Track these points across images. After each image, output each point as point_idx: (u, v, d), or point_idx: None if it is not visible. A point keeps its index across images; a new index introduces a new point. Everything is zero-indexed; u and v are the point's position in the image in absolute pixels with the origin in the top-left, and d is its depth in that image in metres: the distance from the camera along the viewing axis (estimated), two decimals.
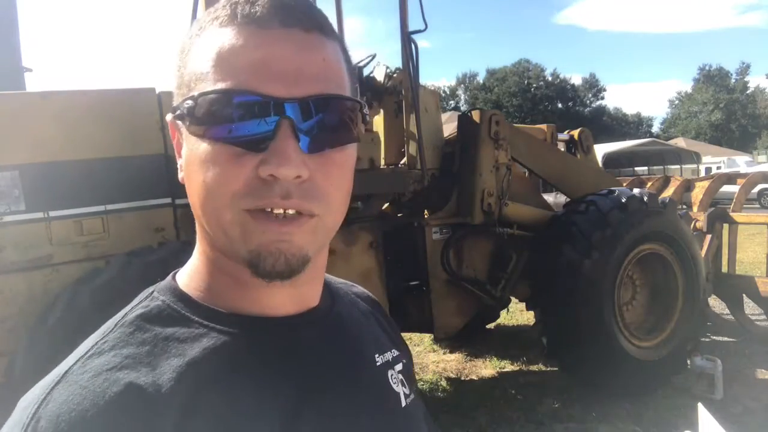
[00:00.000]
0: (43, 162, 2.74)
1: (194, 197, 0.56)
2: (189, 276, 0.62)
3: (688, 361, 4.14)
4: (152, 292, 0.61)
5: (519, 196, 4.26)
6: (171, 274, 0.64)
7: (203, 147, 0.53)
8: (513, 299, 4.85)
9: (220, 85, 0.51)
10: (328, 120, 0.53)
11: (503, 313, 5.68)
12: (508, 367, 4.91)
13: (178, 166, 0.59)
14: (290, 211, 0.52)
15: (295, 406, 0.57)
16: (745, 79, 57.12)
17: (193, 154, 0.55)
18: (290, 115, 0.51)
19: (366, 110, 0.57)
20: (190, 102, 0.53)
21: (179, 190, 3.13)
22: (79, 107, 2.87)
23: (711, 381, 3.98)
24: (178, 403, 0.51)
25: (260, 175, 0.51)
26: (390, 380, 0.68)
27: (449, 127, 4.50)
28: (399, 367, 0.72)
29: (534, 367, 4.83)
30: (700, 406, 1.28)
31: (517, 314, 6.15)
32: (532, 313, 4.21)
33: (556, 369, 4.37)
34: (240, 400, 0.54)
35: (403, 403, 0.68)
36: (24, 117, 2.74)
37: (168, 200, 3.05)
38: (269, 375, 0.57)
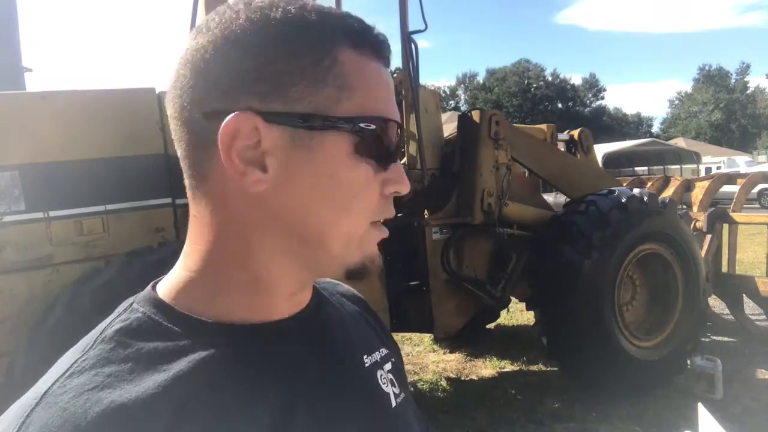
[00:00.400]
0: (43, 162, 2.74)
1: (320, 213, 0.55)
2: (176, 287, 0.58)
3: (688, 361, 4.14)
4: (131, 303, 0.58)
5: (519, 196, 4.26)
6: (151, 284, 0.61)
7: (349, 166, 0.54)
8: (513, 299, 4.85)
9: (383, 115, 0.56)
10: None
11: (503, 313, 5.68)
12: (508, 367, 4.91)
13: (247, 175, 0.53)
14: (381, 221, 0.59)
15: (287, 412, 0.56)
16: (745, 79, 57.17)
17: (337, 170, 0.54)
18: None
19: None
20: (361, 124, 0.54)
21: (179, 190, 3.14)
22: (79, 107, 2.87)
23: (711, 381, 3.98)
24: (165, 421, 0.49)
25: (386, 192, 0.57)
26: (379, 381, 0.68)
27: (449, 127, 4.50)
28: (388, 366, 0.71)
29: (534, 367, 4.82)
30: (700, 406, 1.28)
31: (517, 314, 6.15)
32: (532, 313, 4.21)
33: (556, 369, 4.37)
34: (229, 410, 0.53)
35: (393, 404, 0.67)
36: (24, 117, 2.74)
37: (168, 200, 3.05)
38: (259, 382, 0.56)
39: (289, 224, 0.55)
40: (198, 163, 0.55)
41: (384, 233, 0.60)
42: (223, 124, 0.51)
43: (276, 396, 0.56)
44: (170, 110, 0.57)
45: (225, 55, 0.52)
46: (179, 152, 0.57)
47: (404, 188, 0.58)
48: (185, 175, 0.58)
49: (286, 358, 0.59)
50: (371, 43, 0.56)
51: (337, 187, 0.54)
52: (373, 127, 0.54)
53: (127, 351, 0.52)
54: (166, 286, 0.59)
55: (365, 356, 0.68)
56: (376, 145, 0.55)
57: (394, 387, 0.69)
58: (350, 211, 0.55)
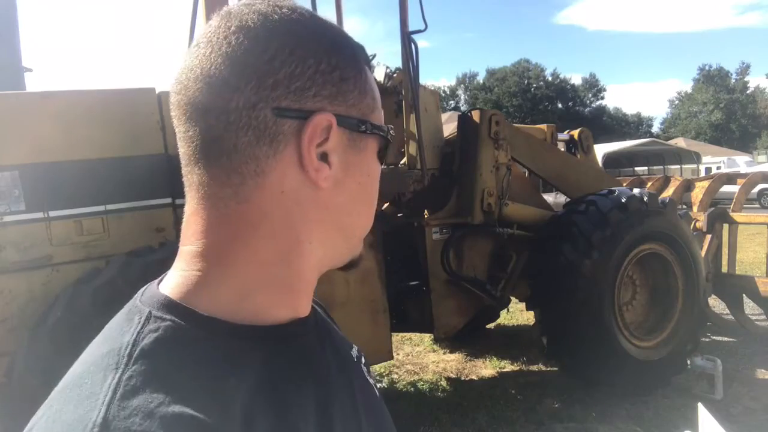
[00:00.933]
0: (43, 162, 2.74)
1: (357, 209, 0.62)
2: (192, 289, 0.56)
3: (688, 361, 4.14)
4: (149, 313, 0.53)
5: (519, 196, 4.27)
6: (152, 287, 0.58)
7: (376, 166, 0.63)
8: (513, 299, 4.85)
9: (382, 123, 0.63)
10: None
11: (503, 313, 5.68)
12: (508, 367, 4.91)
13: (318, 170, 0.56)
14: None
15: (326, 408, 0.58)
16: (745, 79, 57.14)
17: (369, 169, 0.62)
18: None
19: None
20: (387, 129, 0.63)
21: (179, 190, 3.14)
22: (79, 107, 2.87)
23: (711, 381, 3.98)
24: (240, 429, 0.48)
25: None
26: (365, 374, 0.72)
27: (449, 127, 4.50)
28: (363, 360, 0.75)
29: (534, 367, 4.83)
30: (700, 406, 1.28)
31: (517, 314, 6.15)
32: (532, 313, 4.21)
33: (556, 369, 4.37)
34: (289, 412, 0.54)
35: (377, 394, 0.73)
36: (24, 117, 2.74)
37: (168, 200, 3.05)
38: (303, 382, 0.58)
39: (339, 219, 0.60)
40: (255, 158, 0.54)
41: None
42: (309, 121, 0.54)
43: (316, 393, 0.58)
44: (211, 105, 0.53)
45: (290, 55, 0.54)
46: (203, 151, 0.55)
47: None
48: (220, 173, 0.55)
49: (315, 356, 0.62)
50: (369, 61, 0.63)
51: (371, 184, 0.63)
52: (391, 133, 0.64)
53: (175, 364, 0.50)
54: (178, 288, 0.56)
55: (351, 351, 0.73)
56: (387, 149, 0.64)
57: (372, 378, 0.74)
58: (374, 206, 0.65)
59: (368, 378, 0.72)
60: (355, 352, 0.73)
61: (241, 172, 0.54)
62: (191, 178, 0.56)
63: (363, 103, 0.59)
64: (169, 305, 0.54)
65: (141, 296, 0.57)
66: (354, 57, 0.59)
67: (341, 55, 0.57)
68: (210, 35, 0.54)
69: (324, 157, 0.56)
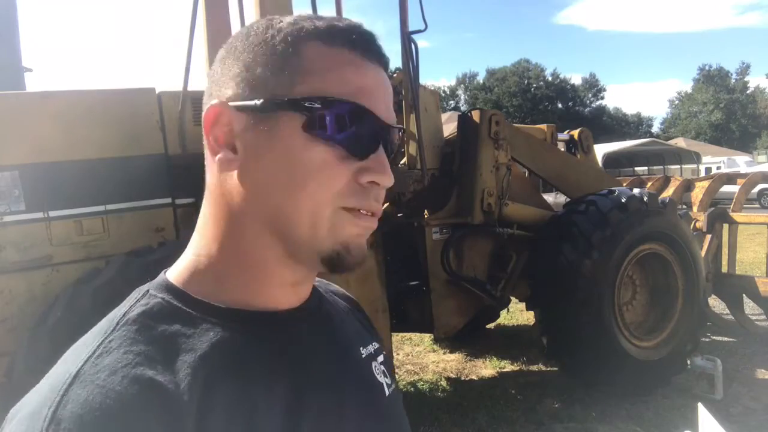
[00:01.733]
0: (43, 162, 2.74)
1: (279, 192, 0.58)
2: (186, 274, 0.63)
3: (688, 361, 4.14)
4: (147, 291, 0.61)
5: (519, 196, 4.27)
6: (162, 273, 0.65)
7: (312, 146, 0.57)
8: (513, 299, 4.85)
9: (352, 99, 0.57)
10: (393, 145, 0.63)
11: (503, 313, 5.68)
12: (508, 367, 4.91)
13: (222, 156, 0.60)
14: (372, 212, 0.61)
15: (300, 395, 0.60)
16: (745, 79, 57.11)
17: (290, 150, 0.57)
18: (388, 134, 0.61)
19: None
20: (318, 104, 0.56)
21: (179, 190, 3.15)
22: (79, 107, 2.87)
23: (711, 381, 3.98)
24: (197, 399, 0.53)
25: (361, 180, 0.59)
26: (374, 371, 0.72)
27: (449, 127, 4.50)
28: (381, 359, 0.75)
29: (534, 367, 4.83)
30: (700, 406, 1.28)
31: (517, 314, 6.15)
32: (532, 313, 4.21)
33: (556, 369, 4.37)
34: (249, 393, 0.57)
35: (387, 393, 0.72)
36: (24, 117, 2.74)
37: (168, 200, 3.05)
38: (273, 367, 0.60)
39: (266, 205, 0.59)
40: (206, 160, 0.63)
41: (364, 223, 0.60)
42: (203, 114, 0.61)
43: (290, 379, 0.60)
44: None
45: (223, 60, 0.63)
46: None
47: (384, 179, 0.60)
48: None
49: (296, 344, 0.64)
50: (345, 37, 0.59)
51: (292, 166, 0.57)
52: (317, 105, 0.56)
53: (152, 332, 0.56)
54: (177, 273, 0.63)
55: (361, 348, 0.73)
56: (333, 124, 0.57)
57: (386, 378, 0.74)
58: (306, 190, 0.57)
59: (377, 377, 0.72)
60: (368, 350, 0.74)
61: (207, 173, 0.63)
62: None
63: (276, 81, 0.58)
64: (165, 285, 0.62)
65: (151, 280, 0.64)
66: (283, 39, 0.59)
67: (254, 46, 0.60)
68: None
69: (233, 142, 0.60)
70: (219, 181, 0.62)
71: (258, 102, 0.57)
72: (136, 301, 0.60)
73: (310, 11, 3.49)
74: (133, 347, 0.54)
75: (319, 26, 0.59)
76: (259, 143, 0.58)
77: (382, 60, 0.62)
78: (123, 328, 0.56)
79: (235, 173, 0.60)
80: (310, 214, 0.58)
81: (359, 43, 0.60)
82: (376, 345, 0.77)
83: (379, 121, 0.59)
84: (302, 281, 0.65)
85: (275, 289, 0.63)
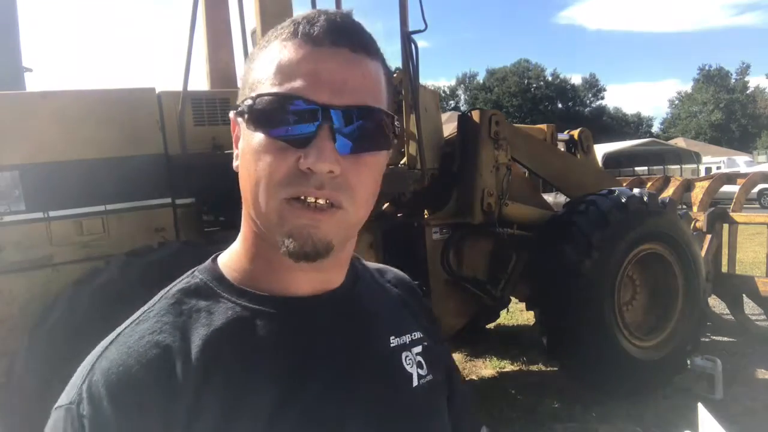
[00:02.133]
0: (43, 162, 2.74)
1: (246, 184, 0.65)
2: (229, 258, 0.73)
3: (688, 361, 4.14)
4: (194, 271, 0.72)
5: (519, 196, 4.26)
6: (212, 256, 0.74)
7: (256, 140, 0.62)
8: (513, 299, 4.85)
9: (276, 89, 0.61)
10: (364, 127, 0.62)
11: (503, 313, 5.68)
12: (508, 367, 4.91)
13: (234, 155, 0.69)
14: (321, 201, 0.61)
15: (302, 375, 0.65)
16: (745, 79, 57.09)
17: (248, 145, 0.63)
18: (331, 120, 0.60)
19: (397, 123, 0.66)
20: (249, 101, 0.62)
21: (179, 190, 3.14)
22: (79, 107, 2.86)
23: (711, 381, 3.98)
24: (202, 365, 0.62)
25: (300, 167, 0.60)
26: (403, 361, 0.75)
27: (449, 127, 4.50)
28: (418, 349, 0.77)
29: (534, 367, 4.82)
30: (700, 406, 1.28)
31: (517, 314, 6.15)
32: (532, 313, 4.21)
33: (556, 369, 4.37)
34: (250, 369, 0.64)
35: (415, 383, 0.74)
36: (24, 117, 2.74)
37: (168, 200, 3.05)
38: (277, 348, 0.66)
39: (242, 191, 0.67)
40: None
41: (310, 214, 0.61)
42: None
43: (291, 361, 0.66)
44: None
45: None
46: None
47: (316, 164, 0.59)
48: None
49: (307, 329, 0.68)
50: (296, 30, 0.63)
51: (246, 161, 0.64)
52: (249, 103, 0.63)
53: (182, 307, 0.67)
54: (223, 258, 0.74)
55: (392, 337, 0.76)
56: (258, 119, 0.62)
57: (421, 369, 0.76)
58: (256, 183, 0.63)
59: (406, 367, 0.74)
60: (403, 340, 0.76)
61: None
62: None
63: (247, 84, 0.65)
64: (209, 268, 0.72)
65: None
66: (261, 47, 0.66)
67: (257, 47, 0.67)
68: None
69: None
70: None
71: (231, 112, 0.67)
72: (181, 280, 0.71)
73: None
74: (163, 318, 0.65)
75: (286, 25, 0.64)
76: (241, 146, 0.66)
77: (343, 40, 0.62)
78: (163, 301, 0.68)
79: (236, 168, 0.69)
80: (261, 205, 0.63)
81: (310, 30, 0.62)
82: (417, 335, 0.78)
83: (306, 102, 0.60)
84: (312, 269, 0.66)
85: (287, 275, 0.68)
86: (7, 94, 2.84)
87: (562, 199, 4.88)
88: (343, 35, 0.62)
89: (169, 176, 3.03)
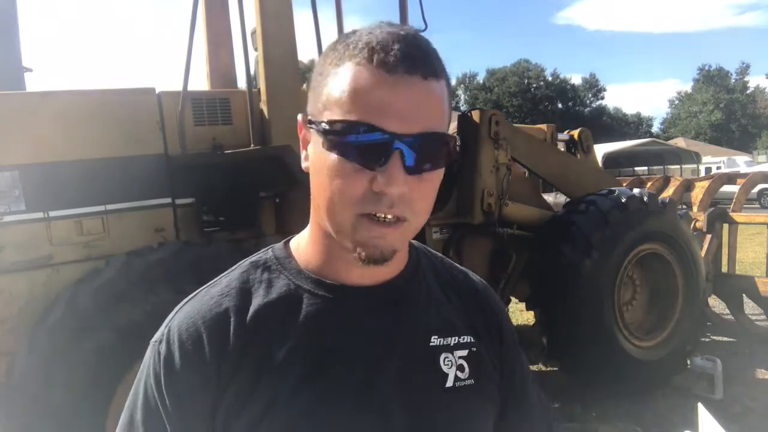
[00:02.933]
0: (43, 162, 2.74)
1: (319, 195, 0.72)
2: (297, 244, 0.82)
3: (688, 361, 4.14)
4: (268, 249, 0.83)
5: (519, 196, 4.26)
6: (286, 239, 0.84)
7: (331, 160, 0.67)
8: (513, 299, 4.85)
9: (352, 117, 0.65)
10: (429, 151, 0.68)
11: None
12: None
13: (302, 155, 0.76)
14: (389, 217, 0.68)
15: (330, 357, 0.73)
16: (745, 79, 57.13)
17: (322, 162, 0.69)
18: (402, 147, 0.65)
19: (458, 142, 0.67)
20: (326, 125, 0.67)
21: (179, 190, 3.14)
22: (79, 107, 2.86)
23: (711, 381, 3.98)
24: (251, 330, 0.73)
25: (373, 189, 0.66)
26: (441, 361, 0.78)
27: (449, 127, 4.49)
28: (462, 353, 0.80)
29: (534, 367, 4.82)
30: (700, 406, 1.28)
31: (517, 314, 6.15)
32: (532, 313, 4.21)
33: (556, 369, 4.37)
34: (287, 342, 0.73)
35: (449, 384, 0.77)
36: (24, 117, 2.74)
37: (168, 200, 3.05)
38: (320, 326, 0.74)
39: (314, 196, 0.74)
40: None
41: (381, 228, 0.68)
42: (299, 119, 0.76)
43: (330, 340, 0.74)
44: None
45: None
46: None
47: (389, 189, 0.65)
48: None
49: (350, 314, 0.76)
50: (371, 55, 0.65)
51: (321, 176, 0.70)
52: (326, 127, 0.67)
53: (249, 276, 0.78)
54: (294, 241, 0.83)
55: (434, 336, 0.79)
56: (335, 142, 0.67)
57: (461, 372, 0.79)
58: (330, 199, 0.69)
59: (443, 367, 0.78)
60: (446, 341, 0.79)
61: None
62: None
63: (317, 100, 0.70)
64: (280, 248, 0.83)
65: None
66: (329, 59, 0.70)
67: (321, 64, 0.71)
68: None
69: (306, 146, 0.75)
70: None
71: (311, 121, 0.71)
72: (257, 254, 0.82)
73: (309, 11, 3.50)
74: (232, 283, 0.77)
75: (360, 45, 0.67)
76: (312, 152, 0.72)
77: (416, 68, 0.66)
78: (236, 270, 0.80)
79: (305, 169, 0.75)
80: (334, 214, 0.70)
81: (385, 57, 0.65)
82: (467, 339, 0.82)
83: (382, 132, 0.65)
84: (364, 263, 0.72)
85: (342, 265, 0.76)
86: (7, 94, 2.84)
87: (562, 199, 4.88)
88: (417, 63, 0.66)
89: (169, 176, 3.03)
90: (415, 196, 0.68)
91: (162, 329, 0.76)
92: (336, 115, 0.66)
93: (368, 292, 0.77)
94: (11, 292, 2.64)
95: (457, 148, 0.72)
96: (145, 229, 2.97)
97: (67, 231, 2.78)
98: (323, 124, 0.67)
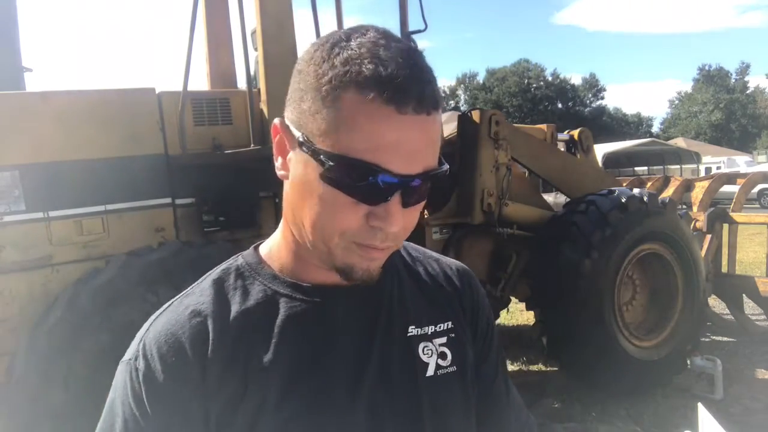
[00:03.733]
0: (43, 162, 2.74)
1: (302, 211, 0.69)
2: (269, 248, 0.80)
3: (688, 361, 4.14)
4: (238, 256, 0.81)
5: (519, 196, 4.26)
6: (254, 244, 0.83)
7: (327, 190, 0.65)
8: (513, 299, 4.85)
9: (358, 155, 0.62)
10: (425, 185, 0.68)
11: (503, 313, 5.68)
12: (508, 367, 4.91)
13: (278, 164, 0.72)
14: (381, 247, 0.68)
15: (314, 358, 0.73)
16: (745, 79, 57.09)
17: (311, 185, 0.66)
18: (404, 188, 0.65)
19: (447, 168, 0.71)
20: (328, 159, 0.63)
21: (179, 190, 3.15)
22: (79, 107, 2.87)
23: (711, 381, 3.98)
24: (231, 337, 0.72)
25: (369, 223, 0.66)
26: (420, 351, 0.78)
27: (449, 127, 4.50)
28: (442, 340, 0.81)
29: (534, 367, 4.82)
30: (700, 406, 1.28)
31: (517, 314, 6.15)
32: (532, 313, 4.21)
33: (556, 369, 4.37)
34: (270, 346, 0.72)
35: (430, 373, 0.78)
36: (24, 117, 2.74)
37: (168, 200, 3.05)
38: (301, 329, 0.74)
39: (292, 210, 0.72)
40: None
41: (372, 255, 0.69)
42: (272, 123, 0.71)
43: (312, 342, 0.74)
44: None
45: (294, 75, 0.69)
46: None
47: (387, 226, 0.65)
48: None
49: (328, 314, 0.75)
50: (382, 88, 0.61)
51: (313, 199, 0.67)
52: (331, 163, 0.63)
53: (222, 284, 0.77)
54: (264, 246, 0.82)
55: (411, 327, 0.80)
56: (335, 179, 0.64)
57: (443, 359, 0.80)
58: (319, 220, 0.67)
59: (421, 357, 0.78)
60: (423, 330, 0.80)
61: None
62: None
63: (314, 123, 0.64)
64: (250, 254, 0.81)
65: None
66: (333, 82, 0.63)
67: (319, 78, 0.64)
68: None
69: (284, 152, 0.71)
70: (286, 183, 0.73)
71: (298, 136, 0.66)
72: (226, 261, 0.80)
73: (309, 11, 3.49)
74: (206, 292, 0.76)
75: (364, 71, 0.62)
76: (297, 167, 0.68)
77: (423, 106, 0.63)
78: (207, 279, 0.78)
79: (281, 177, 0.72)
80: (322, 238, 0.68)
81: (396, 94, 0.61)
82: (444, 325, 0.82)
83: (391, 176, 0.63)
84: (333, 268, 0.72)
85: (316, 270, 0.75)
86: (7, 94, 2.85)
87: (562, 199, 4.88)
88: (425, 99, 0.63)
89: (169, 176, 3.03)
90: (407, 225, 0.69)
91: (135, 346, 0.73)
92: (337, 148, 0.62)
93: (346, 293, 0.76)
94: (11, 292, 2.65)
95: (446, 174, 0.70)
96: (145, 229, 2.97)
97: (67, 231, 2.78)
98: (323, 156, 0.63)
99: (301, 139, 0.66)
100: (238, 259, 0.80)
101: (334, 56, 0.63)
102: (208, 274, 0.79)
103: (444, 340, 0.81)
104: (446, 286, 0.87)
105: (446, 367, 0.79)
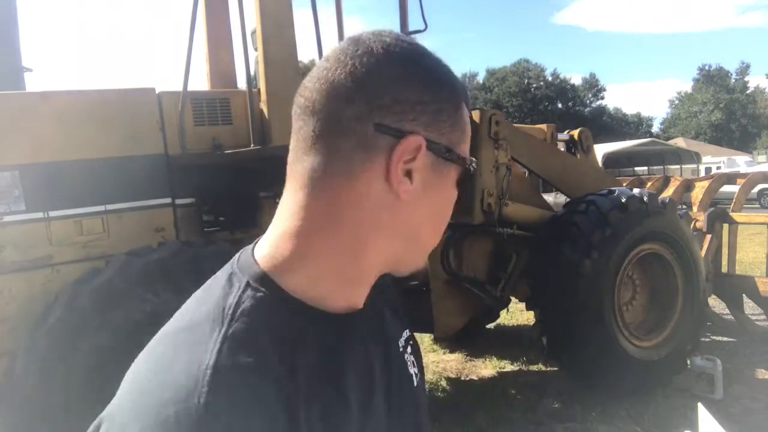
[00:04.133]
0: (43, 162, 2.74)
1: (426, 221, 0.69)
2: (282, 267, 0.65)
3: (688, 361, 4.14)
4: (247, 282, 0.64)
5: (519, 196, 4.26)
6: (249, 254, 0.67)
7: (452, 192, 0.71)
8: (513, 299, 4.85)
9: (467, 156, 0.69)
10: None
11: (503, 313, 5.68)
12: (508, 367, 4.91)
13: (404, 186, 0.64)
14: None
15: (359, 393, 0.66)
16: (745, 79, 57.11)
17: (449, 194, 0.71)
18: None
19: None
20: (467, 161, 0.69)
21: (179, 190, 3.15)
22: (79, 107, 2.87)
23: (711, 381, 3.98)
24: (303, 393, 0.59)
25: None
26: (407, 363, 0.78)
27: None
28: (409, 348, 0.81)
29: (534, 367, 4.82)
30: (700, 406, 1.28)
31: (517, 314, 6.15)
32: (532, 313, 4.21)
33: (556, 369, 4.37)
34: (336, 392, 0.63)
35: (415, 383, 0.79)
36: (24, 117, 2.74)
37: (168, 200, 3.05)
38: (349, 365, 0.66)
39: (409, 230, 0.67)
40: (350, 160, 0.63)
41: None
42: (403, 140, 0.62)
43: (357, 377, 0.67)
44: (326, 109, 0.63)
45: (401, 82, 0.63)
46: (309, 145, 0.63)
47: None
48: (320, 168, 0.63)
49: (354, 343, 0.69)
50: (468, 99, 0.69)
51: (445, 206, 0.70)
52: (474, 166, 0.70)
53: (263, 327, 0.60)
54: (270, 265, 0.65)
55: (399, 341, 0.79)
56: (461, 177, 0.70)
57: (414, 367, 0.80)
58: (442, 227, 0.71)
59: (409, 368, 0.78)
60: (402, 342, 0.79)
61: (337, 171, 0.63)
62: (295, 167, 0.65)
63: (453, 134, 0.67)
64: (263, 279, 0.64)
65: (237, 262, 0.66)
66: (453, 93, 0.67)
67: (442, 91, 0.65)
68: (339, 53, 0.64)
69: (408, 174, 0.64)
70: (375, 197, 0.64)
71: (447, 149, 0.66)
72: (242, 292, 0.63)
73: (309, 11, 3.50)
74: (254, 344, 0.58)
75: (458, 85, 0.69)
76: (431, 182, 0.66)
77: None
78: (242, 319, 0.60)
79: (403, 199, 0.64)
80: (434, 242, 0.71)
81: (468, 102, 0.70)
82: (407, 334, 0.82)
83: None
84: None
85: (361, 290, 0.70)
86: (7, 94, 2.84)
87: (562, 199, 4.88)
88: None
89: (169, 176, 3.03)
90: None
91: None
92: (465, 153, 0.69)
93: (361, 317, 0.71)
94: (11, 292, 2.65)
95: None
96: (145, 229, 2.97)
97: (66, 231, 2.78)
98: (463, 159, 0.69)
99: (449, 150, 0.67)
100: (256, 290, 0.64)
101: (440, 69, 0.68)
102: (227, 312, 0.61)
103: (410, 348, 0.81)
104: (391, 291, 0.86)
105: (417, 374, 0.80)
